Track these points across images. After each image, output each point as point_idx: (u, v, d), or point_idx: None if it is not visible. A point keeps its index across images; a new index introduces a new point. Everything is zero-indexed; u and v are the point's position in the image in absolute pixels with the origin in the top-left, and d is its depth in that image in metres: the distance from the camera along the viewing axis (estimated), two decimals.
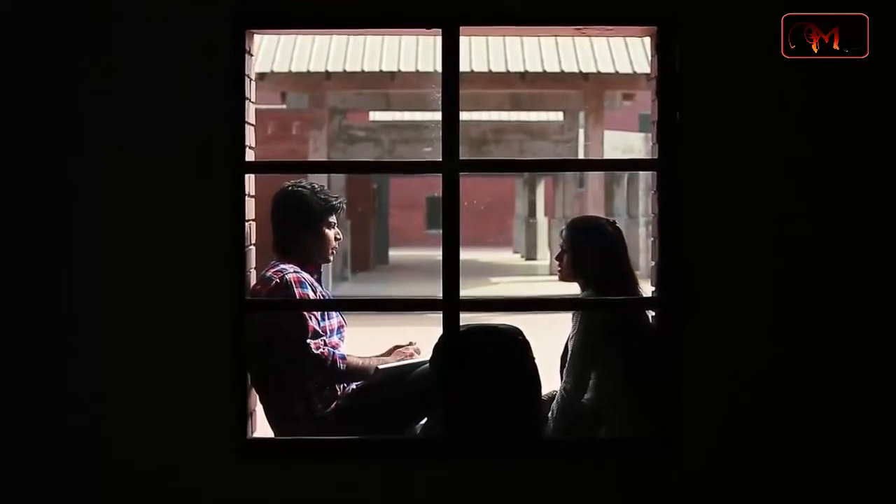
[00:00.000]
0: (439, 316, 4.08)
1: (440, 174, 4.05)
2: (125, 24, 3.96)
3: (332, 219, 4.68)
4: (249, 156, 4.14)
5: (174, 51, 3.97)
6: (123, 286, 3.98)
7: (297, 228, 4.63)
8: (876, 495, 4.03)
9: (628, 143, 24.08)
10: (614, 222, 4.67)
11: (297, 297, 4.44)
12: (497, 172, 33.00)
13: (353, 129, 22.08)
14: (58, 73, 3.96)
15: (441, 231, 4.08)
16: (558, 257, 4.62)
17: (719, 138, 3.99)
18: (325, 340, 4.48)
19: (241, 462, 4.01)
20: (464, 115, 3.97)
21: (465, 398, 4.11)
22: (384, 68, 18.64)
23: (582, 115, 21.27)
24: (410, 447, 4.21)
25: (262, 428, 4.45)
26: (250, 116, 4.16)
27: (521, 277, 24.36)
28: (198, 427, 3.99)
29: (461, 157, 4.05)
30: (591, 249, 4.52)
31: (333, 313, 4.66)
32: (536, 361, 4.37)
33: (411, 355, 4.68)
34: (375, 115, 26.27)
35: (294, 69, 18.64)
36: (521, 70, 18.88)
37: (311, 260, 4.66)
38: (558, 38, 18.95)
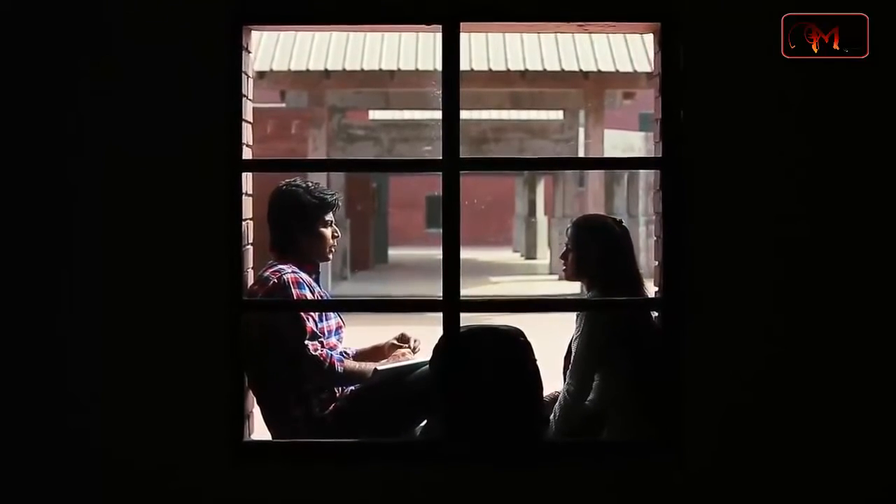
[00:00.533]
0: (439, 315, 4.05)
1: (440, 173, 4.02)
2: (123, 22, 3.96)
3: (329, 217, 4.64)
4: (247, 154, 4.12)
5: (171, 48, 3.96)
6: (121, 285, 3.98)
7: (293, 228, 4.60)
8: (877, 495, 4.02)
9: (628, 142, 24.10)
10: (621, 221, 4.62)
11: (295, 297, 4.41)
12: (498, 171, 32.97)
13: (353, 128, 22.06)
14: (58, 72, 3.96)
15: (441, 230, 4.05)
16: (563, 256, 4.58)
17: (723, 136, 3.98)
18: (322, 342, 4.45)
19: (238, 464, 4.00)
20: (464, 114, 3.95)
21: (466, 400, 4.08)
22: (384, 67, 18.65)
23: (582, 113, 21.27)
24: (410, 450, 4.18)
25: (260, 430, 4.43)
26: (248, 114, 4.14)
27: (521, 277, 24.44)
28: (195, 428, 3.99)
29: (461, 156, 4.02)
30: (596, 249, 4.48)
31: (332, 314, 4.63)
32: (538, 363, 4.33)
33: (404, 355, 4.64)
34: (375, 114, 26.26)
35: (293, 68, 18.65)
36: (522, 68, 18.89)
37: (309, 259, 4.63)
38: (558, 36, 18.96)
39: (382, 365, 4.54)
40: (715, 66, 3.97)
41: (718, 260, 3.99)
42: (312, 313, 4.48)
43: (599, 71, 18.97)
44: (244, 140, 4.07)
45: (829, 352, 4.01)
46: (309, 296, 4.47)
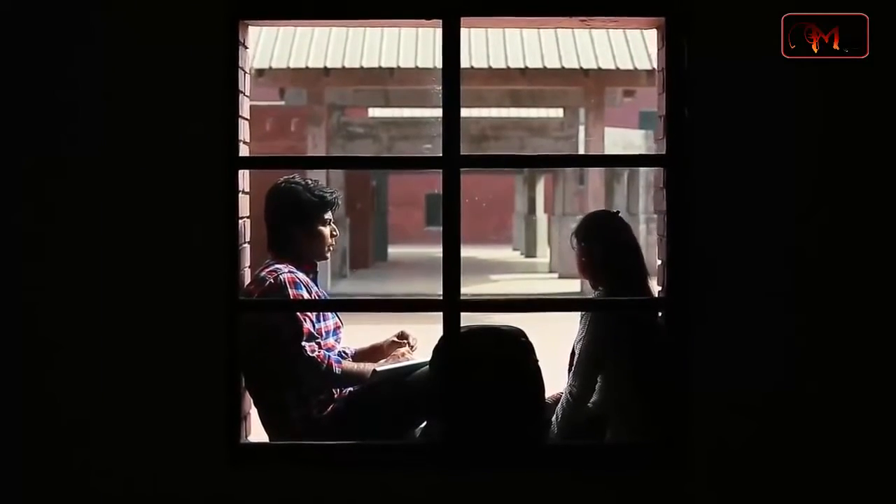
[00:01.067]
0: (439, 314, 4.02)
1: (440, 170, 3.99)
2: (120, 19, 3.94)
3: (328, 215, 4.60)
4: (244, 151, 4.10)
5: (167, 43, 3.94)
6: (116, 284, 3.96)
7: (291, 227, 4.55)
8: (885, 500, 4.00)
9: (629, 139, 24.15)
10: (618, 212, 4.58)
11: (292, 298, 4.36)
12: (499, 168, 32.98)
13: (352, 126, 22.06)
14: (55, 69, 3.96)
15: (441, 228, 4.02)
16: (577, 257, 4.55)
17: (728, 133, 3.96)
18: (319, 343, 4.40)
19: (235, 466, 3.98)
20: (463, 112, 3.93)
21: (466, 402, 4.05)
22: (383, 64, 18.67)
23: (582, 111, 21.27)
24: (409, 452, 4.15)
25: (258, 432, 4.40)
26: (244, 111, 4.12)
27: (521, 275, 24.51)
28: (191, 430, 3.97)
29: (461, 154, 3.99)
30: (603, 247, 4.43)
31: (329, 314, 4.59)
32: (540, 363, 4.28)
33: (403, 354, 4.60)
34: (374, 112, 26.27)
35: (292, 65, 18.68)
36: (522, 66, 18.89)
37: (307, 259, 4.58)
38: (559, 33, 18.95)
39: (381, 366, 4.50)
40: (720, 62, 3.95)
41: (723, 259, 3.96)
42: (310, 314, 4.43)
43: (600, 68, 18.98)
44: (241, 137, 4.04)
45: (837, 351, 3.98)
46: (306, 296, 4.42)
